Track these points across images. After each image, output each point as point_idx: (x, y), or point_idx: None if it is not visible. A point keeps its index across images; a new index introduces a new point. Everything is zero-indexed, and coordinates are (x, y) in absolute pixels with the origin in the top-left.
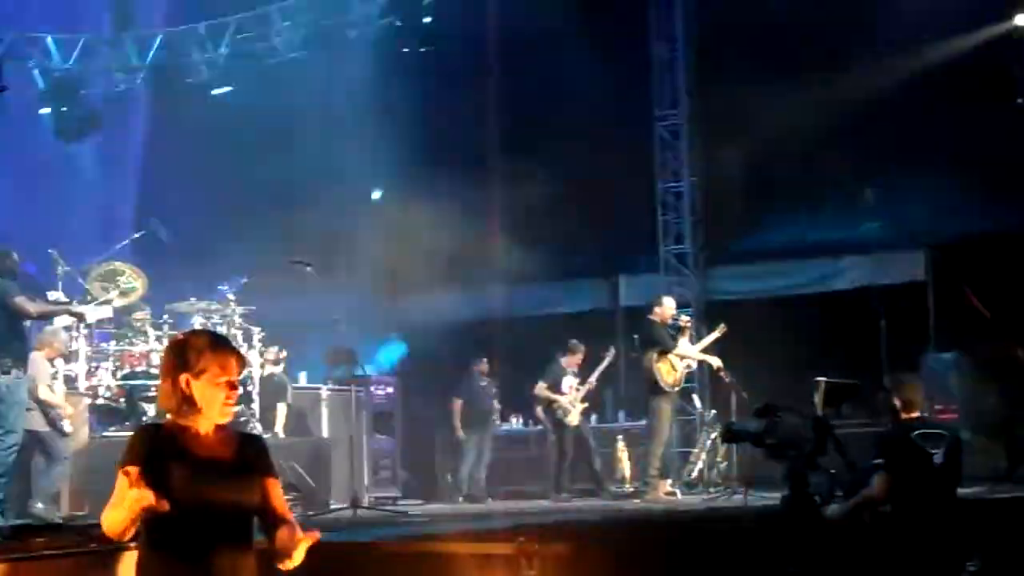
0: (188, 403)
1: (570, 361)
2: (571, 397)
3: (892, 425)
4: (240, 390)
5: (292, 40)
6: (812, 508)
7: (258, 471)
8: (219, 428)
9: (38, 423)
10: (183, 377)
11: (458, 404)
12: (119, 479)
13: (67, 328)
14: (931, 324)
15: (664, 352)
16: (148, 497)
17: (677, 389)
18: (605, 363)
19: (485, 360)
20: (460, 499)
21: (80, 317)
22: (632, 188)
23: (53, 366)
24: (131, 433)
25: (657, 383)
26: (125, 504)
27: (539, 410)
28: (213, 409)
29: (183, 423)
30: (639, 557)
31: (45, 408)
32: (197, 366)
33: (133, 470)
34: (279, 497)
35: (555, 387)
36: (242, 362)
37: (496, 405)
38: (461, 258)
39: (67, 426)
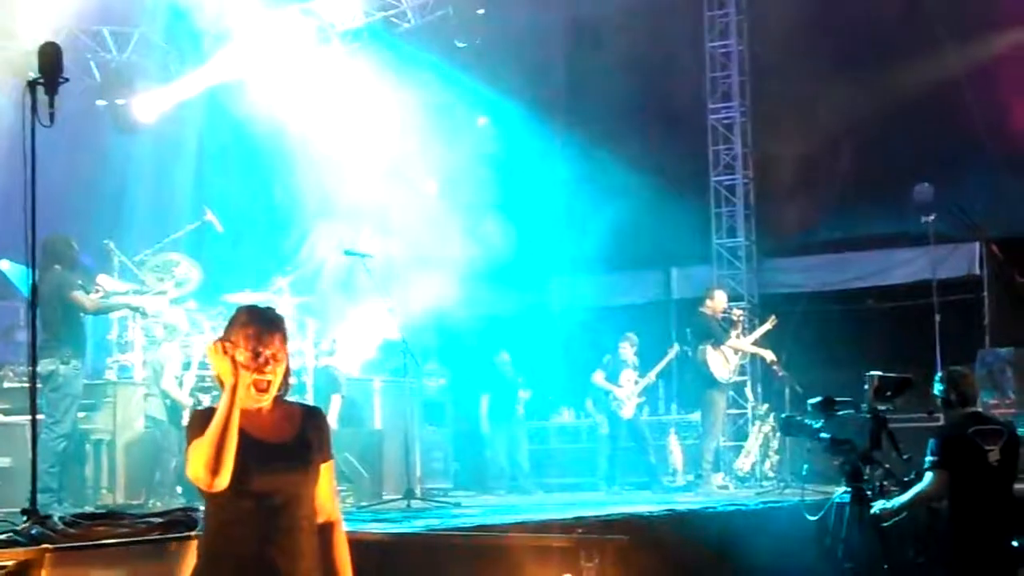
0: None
1: (627, 352)
2: (628, 390)
3: (947, 420)
4: (294, 381)
5: (346, 32)
6: (867, 503)
7: (315, 452)
8: (278, 404)
9: (157, 411)
10: (221, 344)
11: (485, 399)
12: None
13: (123, 318)
14: (986, 318)
15: (716, 344)
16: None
17: (730, 381)
18: (667, 359)
19: (505, 352)
20: (501, 492)
21: (139, 310)
22: (686, 180)
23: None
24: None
25: (710, 375)
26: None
27: (589, 403)
28: (243, 386)
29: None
30: (695, 551)
31: (165, 399)
32: (231, 339)
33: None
34: (327, 484)
35: (612, 378)
36: (277, 338)
37: (523, 395)
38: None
39: (185, 419)
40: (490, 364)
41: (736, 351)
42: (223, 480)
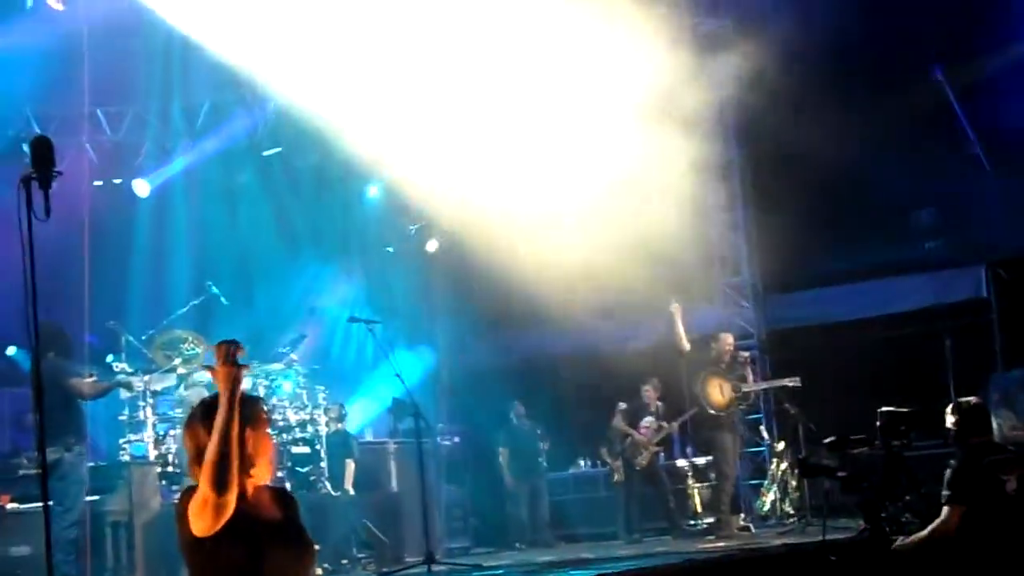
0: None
1: (650, 396)
2: (648, 437)
3: (960, 452)
4: (308, 449)
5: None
6: (886, 540)
7: (308, 536)
8: (256, 489)
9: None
10: (247, 431)
11: (504, 452)
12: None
13: (133, 398)
14: (997, 341)
15: (711, 375)
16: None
17: (730, 413)
18: (689, 414)
19: (519, 403)
20: (518, 546)
21: (128, 387)
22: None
23: None
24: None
25: (707, 409)
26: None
27: (604, 451)
28: (267, 460)
29: None
30: None
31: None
32: (256, 417)
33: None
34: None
35: (634, 424)
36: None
37: (543, 446)
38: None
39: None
40: (505, 417)
41: (739, 391)
42: (232, 497)
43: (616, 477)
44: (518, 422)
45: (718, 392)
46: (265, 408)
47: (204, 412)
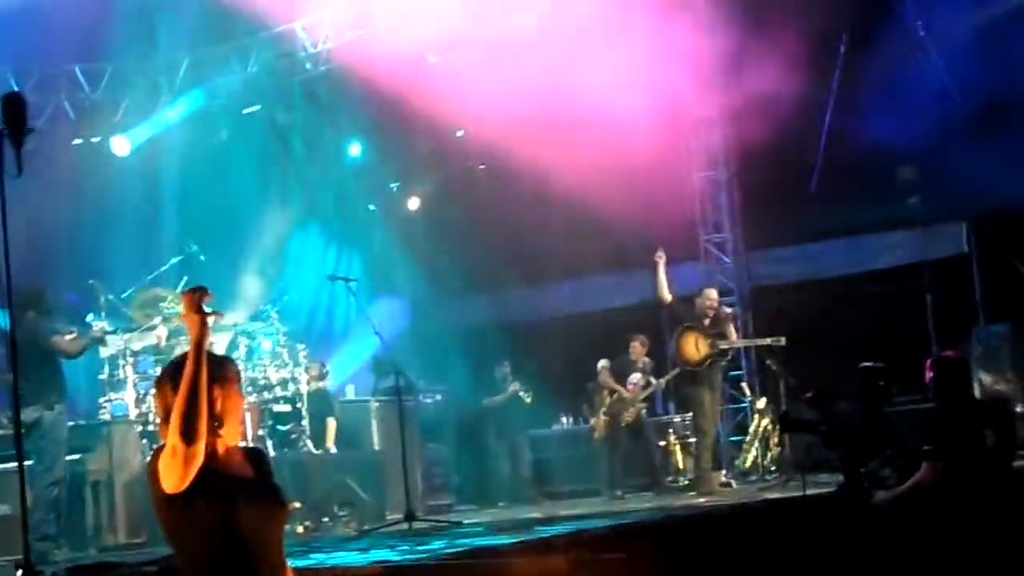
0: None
1: (637, 352)
2: (634, 393)
3: (941, 407)
4: (288, 408)
5: (318, 54)
6: (866, 495)
7: (281, 493)
8: (228, 449)
9: None
10: (215, 389)
11: (489, 410)
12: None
13: (113, 357)
14: (978, 297)
15: (687, 329)
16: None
17: (707, 365)
18: (675, 372)
19: (506, 363)
20: (500, 503)
21: (102, 342)
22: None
23: None
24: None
25: (686, 364)
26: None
27: (585, 408)
28: (237, 419)
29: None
30: (696, 557)
31: None
32: (225, 376)
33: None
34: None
35: (620, 380)
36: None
37: (526, 399)
38: (504, 258)
39: None
40: (490, 375)
41: (718, 347)
42: (199, 447)
43: (596, 434)
44: (504, 380)
45: (692, 347)
46: (235, 368)
47: (172, 371)
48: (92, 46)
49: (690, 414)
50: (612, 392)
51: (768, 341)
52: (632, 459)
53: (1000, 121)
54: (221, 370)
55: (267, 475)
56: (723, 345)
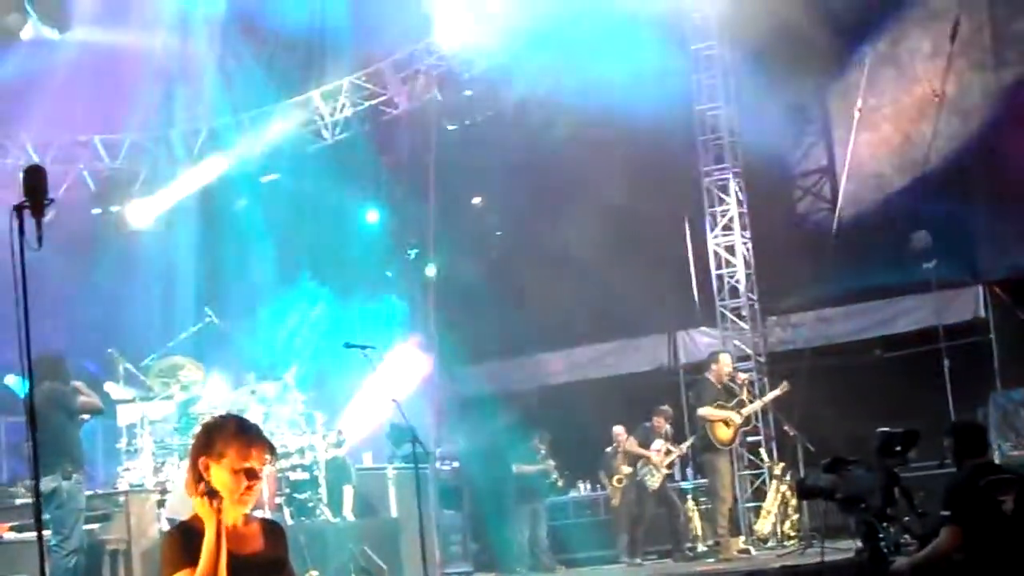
0: (207, 489)
1: (659, 424)
2: (659, 460)
3: (959, 472)
4: (306, 475)
5: (336, 123)
6: (884, 562)
7: (286, 565)
8: (247, 519)
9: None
10: (202, 460)
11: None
12: None
13: (131, 425)
14: (996, 361)
15: (716, 410)
16: None
17: (731, 447)
18: (693, 439)
19: (546, 434)
20: (518, 569)
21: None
22: (683, 243)
23: None
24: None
25: (710, 441)
26: None
27: (602, 474)
28: (232, 496)
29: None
30: None
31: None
32: (217, 449)
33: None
34: None
35: (645, 447)
36: (269, 451)
37: (552, 473)
38: (522, 324)
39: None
40: (512, 442)
41: (742, 416)
42: None
43: (614, 501)
44: (537, 450)
45: (723, 428)
46: (231, 441)
47: (202, 440)
48: (111, 116)
49: (707, 480)
50: (637, 458)
51: (775, 392)
52: (650, 525)
53: None
54: (208, 440)
55: (279, 550)
56: (744, 412)
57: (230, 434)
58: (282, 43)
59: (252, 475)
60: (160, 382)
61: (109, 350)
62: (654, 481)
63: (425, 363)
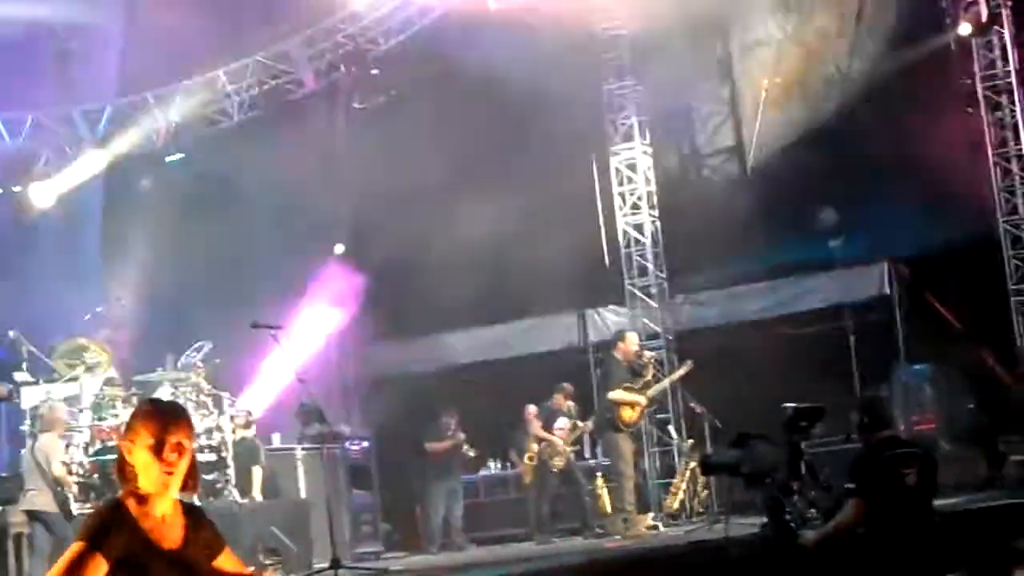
0: (129, 472)
1: (560, 402)
2: (564, 440)
3: (863, 446)
4: (214, 456)
5: (242, 102)
6: (790, 535)
7: (214, 549)
8: (176, 505)
9: (45, 503)
10: (124, 443)
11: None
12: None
13: (35, 408)
14: (900, 337)
15: (622, 392)
16: None
17: (632, 429)
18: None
19: (454, 410)
20: (434, 550)
21: (6, 400)
22: (595, 222)
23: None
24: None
25: (614, 421)
26: None
27: (513, 453)
28: (149, 478)
29: (140, 501)
30: None
31: (56, 488)
32: (135, 430)
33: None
34: (236, 565)
35: (547, 427)
36: (182, 427)
37: (467, 451)
38: (428, 305)
39: (74, 507)
40: (426, 423)
41: (647, 398)
42: None
43: (526, 479)
44: (447, 427)
45: (630, 411)
46: (147, 420)
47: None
48: (12, 94)
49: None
50: (541, 439)
51: (679, 372)
52: (562, 503)
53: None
54: (130, 425)
55: (202, 531)
56: (651, 394)
57: (146, 413)
58: (189, 20)
59: (172, 451)
60: (64, 364)
61: (10, 333)
62: (558, 461)
63: (332, 342)
